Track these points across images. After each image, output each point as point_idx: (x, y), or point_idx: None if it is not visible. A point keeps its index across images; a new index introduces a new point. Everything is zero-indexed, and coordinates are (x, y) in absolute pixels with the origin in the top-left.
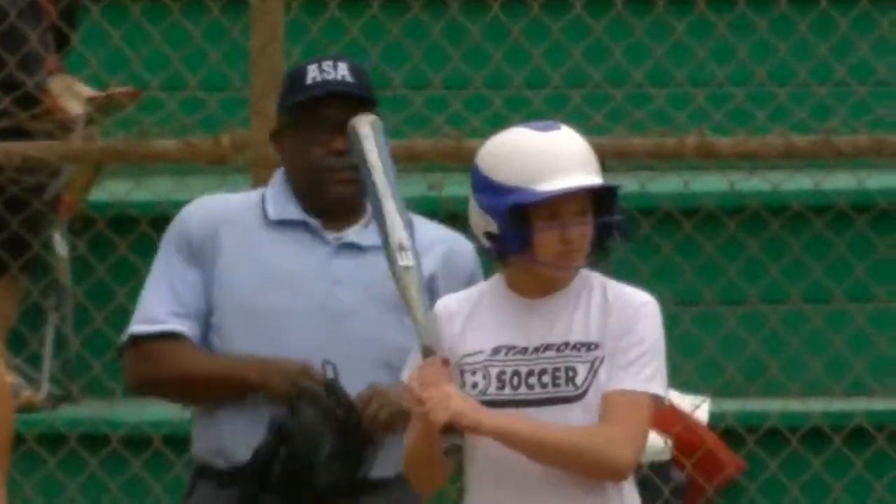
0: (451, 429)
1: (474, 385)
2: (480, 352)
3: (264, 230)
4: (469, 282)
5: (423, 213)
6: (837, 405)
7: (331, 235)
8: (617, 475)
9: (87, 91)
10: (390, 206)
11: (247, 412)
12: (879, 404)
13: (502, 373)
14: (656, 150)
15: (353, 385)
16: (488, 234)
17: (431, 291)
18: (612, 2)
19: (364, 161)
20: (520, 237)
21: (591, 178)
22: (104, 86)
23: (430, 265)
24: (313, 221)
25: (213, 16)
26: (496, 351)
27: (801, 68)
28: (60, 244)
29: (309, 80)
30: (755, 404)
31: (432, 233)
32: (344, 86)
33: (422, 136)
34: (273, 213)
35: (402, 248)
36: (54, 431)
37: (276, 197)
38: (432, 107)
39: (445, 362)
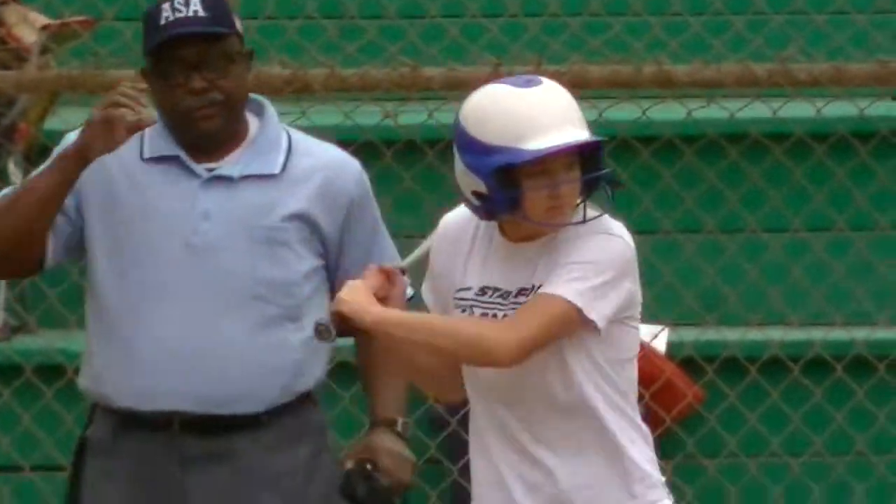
0: (336, 319)
1: None
2: (470, 289)
3: (139, 165)
4: (350, 207)
5: (381, 143)
6: (796, 334)
7: (202, 167)
8: (493, 362)
9: (42, 20)
10: None
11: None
12: (839, 333)
13: (484, 314)
14: (613, 78)
15: (223, 320)
16: (476, 193)
17: (310, 224)
18: None
19: None
20: (509, 197)
21: (578, 132)
22: (59, 15)
23: (301, 200)
24: (184, 155)
25: None
26: (483, 291)
27: None
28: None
29: (162, 20)
30: (713, 334)
31: (313, 159)
32: (195, 24)
33: (377, 65)
34: (147, 150)
35: None
36: (10, 362)
37: (153, 133)
38: (388, 36)
39: (391, 274)
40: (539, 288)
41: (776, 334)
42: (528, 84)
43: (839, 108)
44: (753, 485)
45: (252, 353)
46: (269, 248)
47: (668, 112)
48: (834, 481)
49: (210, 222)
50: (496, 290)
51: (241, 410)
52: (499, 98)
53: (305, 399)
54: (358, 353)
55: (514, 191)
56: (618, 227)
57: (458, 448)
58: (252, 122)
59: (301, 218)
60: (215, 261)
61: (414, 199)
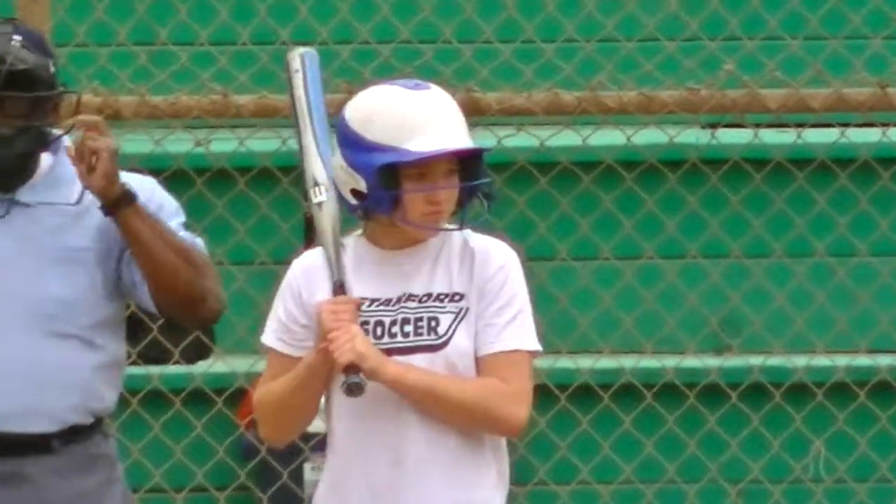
0: (352, 369)
1: None
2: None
3: None
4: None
5: (192, 170)
6: (649, 362)
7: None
8: (512, 430)
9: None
10: (308, 142)
11: None
12: (691, 361)
13: (365, 323)
14: None
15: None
16: (354, 192)
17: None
18: None
19: (291, 96)
20: (389, 197)
21: (462, 139)
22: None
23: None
24: None
25: None
26: (366, 302)
27: (569, 23)
28: None
29: None
30: (566, 361)
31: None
32: None
33: (188, 91)
34: None
35: (316, 183)
36: None
37: None
38: (199, 62)
39: (356, 302)
40: (437, 298)
41: (628, 362)
42: (417, 87)
43: (649, 136)
44: None
45: (39, 370)
46: (63, 268)
47: (478, 139)
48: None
49: (3, 240)
50: (375, 300)
51: (27, 428)
52: (387, 98)
53: (96, 428)
54: None
55: (395, 191)
56: (500, 243)
57: (268, 476)
58: (44, 157)
59: (97, 236)
60: (3, 277)
61: (225, 227)
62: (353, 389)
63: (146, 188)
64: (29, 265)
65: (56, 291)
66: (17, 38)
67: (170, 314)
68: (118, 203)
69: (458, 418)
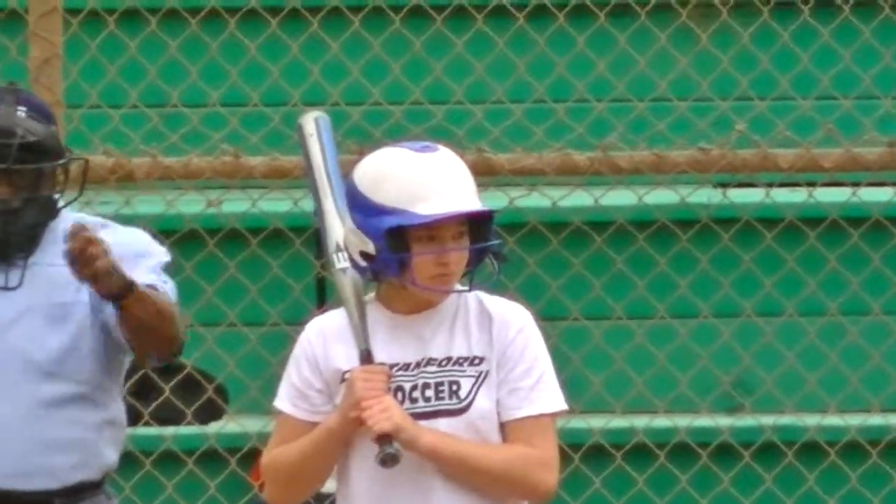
0: (386, 439)
1: None
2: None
3: None
4: (140, 257)
5: (204, 231)
6: (661, 421)
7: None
8: (543, 497)
9: None
10: (329, 207)
11: None
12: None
13: (395, 388)
14: None
15: (16, 391)
16: (363, 254)
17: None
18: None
19: (307, 160)
20: (398, 259)
21: (470, 201)
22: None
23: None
24: None
25: None
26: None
27: (580, 84)
28: None
29: None
30: (578, 421)
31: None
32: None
33: (200, 153)
34: None
35: (338, 249)
36: None
37: None
38: (211, 124)
39: (388, 372)
40: (457, 362)
41: (640, 421)
42: (425, 150)
43: (661, 196)
44: None
45: (41, 429)
46: (60, 325)
47: (490, 200)
48: None
49: (4, 300)
50: (393, 364)
51: (30, 487)
52: (395, 160)
53: (99, 487)
54: None
55: (403, 254)
56: (516, 304)
57: None
58: None
59: (95, 296)
60: (7, 336)
61: (237, 288)
62: (388, 461)
63: (129, 239)
64: (29, 324)
65: (55, 349)
66: (21, 108)
67: (144, 359)
68: (117, 297)
69: (490, 486)
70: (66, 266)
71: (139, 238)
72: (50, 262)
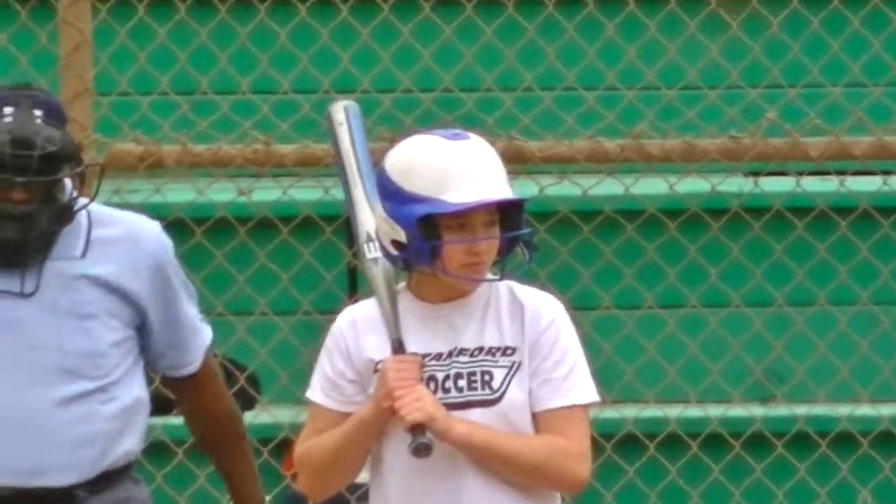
0: (419, 429)
1: None
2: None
3: None
4: (156, 266)
5: (235, 219)
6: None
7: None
8: (575, 488)
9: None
10: (360, 196)
11: None
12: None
13: (428, 378)
14: None
15: (34, 390)
16: (395, 243)
17: (118, 293)
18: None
19: (336, 149)
20: (429, 248)
21: (502, 189)
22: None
23: (110, 266)
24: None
25: (19, 22)
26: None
27: (610, 72)
28: None
29: None
30: (610, 411)
31: (113, 228)
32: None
33: (230, 140)
34: None
35: (369, 239)
36: None
37: None
38: (241, 111)
39: (420, 361)
40: (489, 352)
41: (673, 411)
42: (457, 137)
43: (692, 184)
44: None
45: (59, 425)
46: (77, 321)
47: (520, 188)
48: None
49: (21, 302)
50: (426, 354)
51: (54, 483)
52: (426, 149)
53: (123, 475)
54: (206, 438)
55: (434, 242)
56: (547, 295)
57: None
58: None
59: (108, 287)
60: (23, 335)
61: (268, 276)
62: (421, 450)
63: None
64: (46, 324)
65: (73, 346)
66: (38, 112)
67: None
68: None
69: (522, 476)
70: (79, 259)
71: (152, 236)
72: (61, 255)
